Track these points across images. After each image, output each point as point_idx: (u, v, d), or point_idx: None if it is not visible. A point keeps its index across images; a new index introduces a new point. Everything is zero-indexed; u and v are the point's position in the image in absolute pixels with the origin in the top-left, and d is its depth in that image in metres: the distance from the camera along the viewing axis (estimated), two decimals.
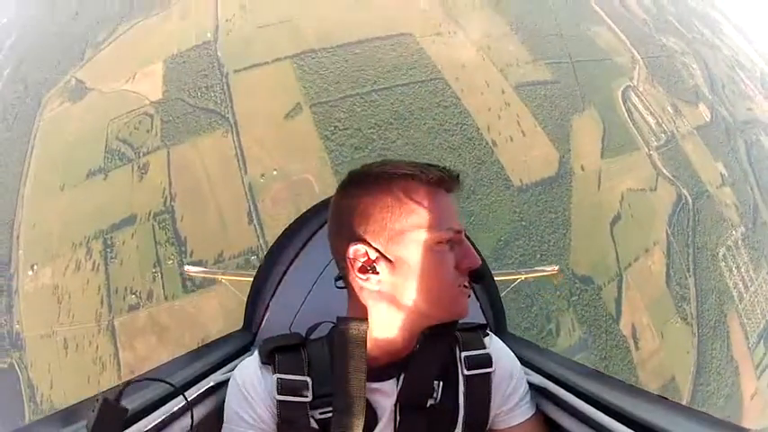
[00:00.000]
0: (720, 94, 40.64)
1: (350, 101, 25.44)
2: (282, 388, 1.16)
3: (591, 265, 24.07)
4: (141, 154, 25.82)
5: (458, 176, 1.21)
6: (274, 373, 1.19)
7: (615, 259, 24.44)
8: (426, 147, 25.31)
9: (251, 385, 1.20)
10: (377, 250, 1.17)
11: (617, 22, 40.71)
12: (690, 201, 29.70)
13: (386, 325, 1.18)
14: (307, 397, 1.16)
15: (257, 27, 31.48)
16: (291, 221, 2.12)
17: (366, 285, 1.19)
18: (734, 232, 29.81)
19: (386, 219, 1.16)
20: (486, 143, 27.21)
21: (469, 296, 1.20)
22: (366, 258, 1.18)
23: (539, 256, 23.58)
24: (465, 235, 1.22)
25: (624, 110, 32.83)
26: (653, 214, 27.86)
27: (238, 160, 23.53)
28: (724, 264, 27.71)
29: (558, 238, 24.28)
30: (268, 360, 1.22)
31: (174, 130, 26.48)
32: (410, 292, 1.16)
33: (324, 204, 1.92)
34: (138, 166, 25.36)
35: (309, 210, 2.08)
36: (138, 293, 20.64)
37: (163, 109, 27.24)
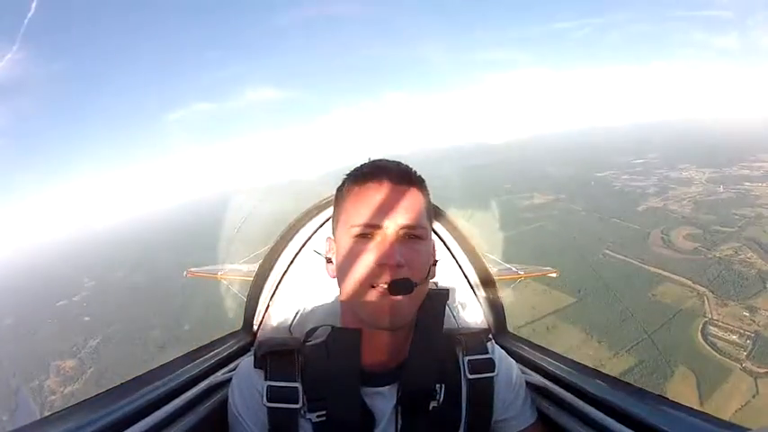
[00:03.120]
0: None
1: None
2: (272, 396, 1.18)
3: None
4: None
5: (389, 169, 1.23)
6: (266, 379, 1.21)
7: None
8: None
9: (241, 397, 1.24)
10: (334, 242, 1.29)
11: (675, 269, 46.40)
12: None
13: (361, 325, 1.20)
14: (297, 403, 1.17)
15: None
16: (291, 222, 2.11)
17: (329, 272, 1.31)
18: None
19: (335, 214, 1.30)
20: None
21: (393, 303, 1.12)
22: (329, 250, 1.32)
23: None
24: (408, 235, 1.17)
25: (707, 346, 36.07)
26: (765, 417, 28.79)
27: None
28: None
29: None
30: (261, 365, 1.24)
31: None
32: (340, 280, 1.23)
33: (322, 204, 2.06)
34: None
35: (308, 210, 2.10)
36: None
37: None
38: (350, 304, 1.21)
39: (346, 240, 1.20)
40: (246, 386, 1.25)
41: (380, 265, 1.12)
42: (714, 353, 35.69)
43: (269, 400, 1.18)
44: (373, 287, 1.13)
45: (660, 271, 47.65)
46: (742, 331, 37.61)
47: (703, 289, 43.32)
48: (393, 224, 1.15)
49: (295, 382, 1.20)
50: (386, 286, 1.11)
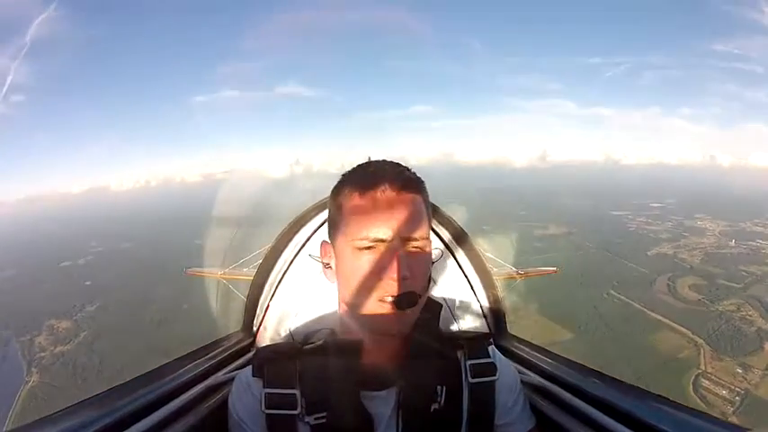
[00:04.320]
0: None
1: None
2: (270, 403, 1.16)
3: None
4: None
5: (390, 175, 1.19)
6: (265, 386, 1.19)
7: None
8: None
9: (241, 403, 1.23)
10: (332, 247, 1.27)
11: (675, 318, 46.21)
12: None
13: (360, 332, 1.21)
14: (295, 409, 1.15)
15: None
16: (292, 221, 2.09)
17: (328, 278, 1.31)
18: None
19: (335, 221, 1.25)
20: None
21: (399, 315, 1.13)
22: (327, 255, 1.30)
23: None
24: (410, 248, 1.16)
25: (697, 398, 35.66)
26: None
27: None
28: None
29: None
30: (259, 373, 1.23)
31: None
32: (343, 291, 1.23)
33: (321, 204, 2.01)
34: None
35: (308, 210, 2.07)
36: None
37: None
38: (353, 314, 1.21)
39: (348, 252, 1.18)
40: (246, 394, 1.24)
41: (386, 279, 1.12)
42: (702, 405, 35.18)
43: (267, 406, 1.17)
44: (379, 300, 1.13)
45: (661, 317, 47.59)
46: (732, 387, 37.54)
47: (701, 341, 43.18)
48: (397, 237, 1.14)
49: (293, 388, 1.18)
50: (391, 299, 1.12)
